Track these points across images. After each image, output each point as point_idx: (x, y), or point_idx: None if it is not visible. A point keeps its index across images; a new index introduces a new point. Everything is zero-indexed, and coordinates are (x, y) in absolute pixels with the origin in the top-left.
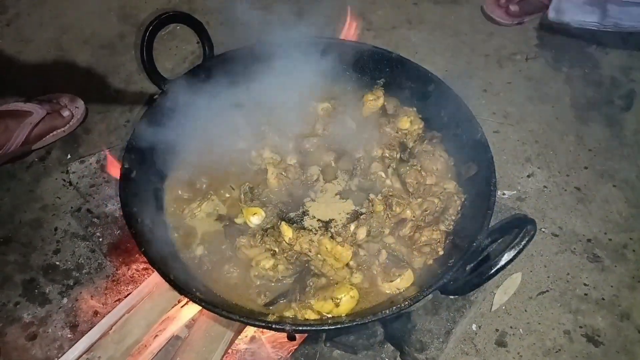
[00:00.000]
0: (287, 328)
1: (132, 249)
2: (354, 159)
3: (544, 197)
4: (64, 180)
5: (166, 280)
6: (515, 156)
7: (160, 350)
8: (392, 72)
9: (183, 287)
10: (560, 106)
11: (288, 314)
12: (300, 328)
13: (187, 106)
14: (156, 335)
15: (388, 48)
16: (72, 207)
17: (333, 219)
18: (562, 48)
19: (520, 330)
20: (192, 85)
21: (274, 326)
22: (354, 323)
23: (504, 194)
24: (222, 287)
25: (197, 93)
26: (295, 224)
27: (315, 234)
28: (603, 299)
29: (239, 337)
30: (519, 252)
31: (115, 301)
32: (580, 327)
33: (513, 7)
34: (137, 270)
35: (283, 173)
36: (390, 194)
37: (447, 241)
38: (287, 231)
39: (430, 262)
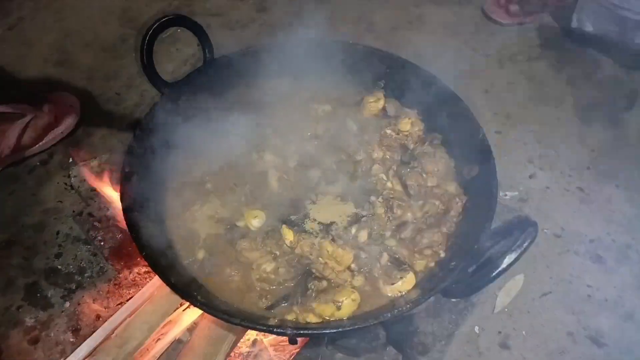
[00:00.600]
0: (289, 332)
1: (134, 252)
2: (354, 161)
3: (546, 198)
4: (66, 184)
5: (168, 285)
6: (517, 157)
7: (162, 354)
8: (393, 73)
9: (184, 291)
10: (562, 107)
11: (290, 317)
12: (302, 332)
13: (188, 109)
14: (158, 339)
15: (389, 49)
16: (73, 211)
17: (334, 222)
18: (563, 49)
19: (524, 332)
20: (192, 88)
21: (275, 330)
22: (356, 326)
23: (505, 194)
24: (223, 291)
25: (198, 96)
26: (296, 227)
27: (316, 237)
28: (606, 300)
29: (241, 340)
30: (520, 255)
31: (118, 305)
32: (584, 328)
33: (513, 7)
34: (139, 274)
35: (284, 176)
36: (391, 196)
37: (449, 243)
38: (288, 234)
39: (432, 264)
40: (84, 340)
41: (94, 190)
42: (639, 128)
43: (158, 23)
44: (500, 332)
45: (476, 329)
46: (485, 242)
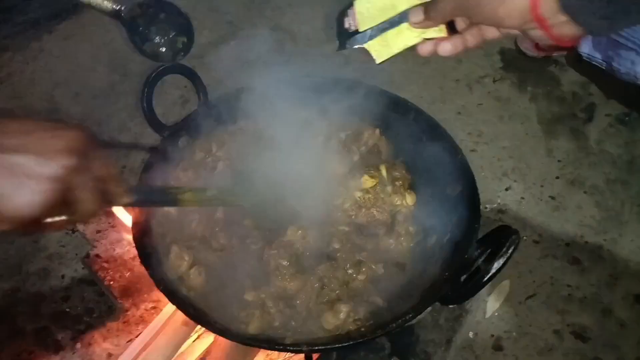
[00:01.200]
0: (304, 349)
1: (141, 289)
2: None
3: (523, 208)
4: (67, 229)
5: (187, 315)
6: (493, 172)
7: None
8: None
9: (202, 319)
10: (529, 122)
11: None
12: (316, 348)
13: (186, 150)
14: None
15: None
16: (77, 254)
17: None
18: (525, 69)
19: (514, 333)
20: (190, 129)
21: (290, 348)
22: (365, 338)
23: (485, 207)
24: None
25: (195, 136)
26: None
27: None
28: (585, 297)
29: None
30: (507, 260)
31: (128, 342)
32: (568, 325)
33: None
34: (146, 310)
35: None
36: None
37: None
38: None
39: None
40: None
41: (99, 232)
42: (599, 138)
43: (156, 72)
44: (492, 335)
45: (470, 334)
46: (473, 252)
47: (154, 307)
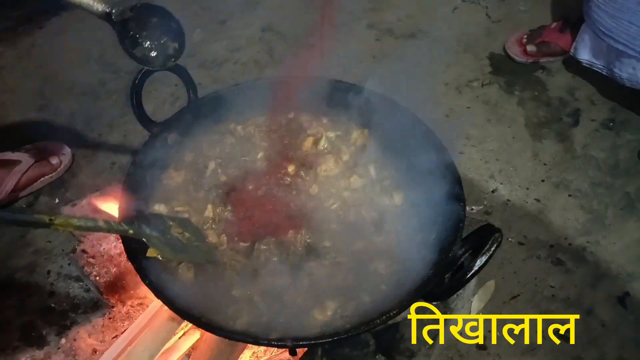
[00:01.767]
0: (289, 344)
1: (127, 285)
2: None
3: (509, 210)
4: None
5: (173, 310)
6: (480, 174)
7: None
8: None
9: (189, 315)
10: (516, 126)
11: None
12: (301, 342)
13: (177, 146)
14: None
15: (357, 81)
16: (63, 250)
17: None
18: (513, 73)
19: (498, 333)
20: (180, 125)
21: (276, 343)
22: (350, 334)
23: (472, 209)
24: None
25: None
26: None
27: None
28: (569, 298)
29: (240, 357)
30: (489, 258)
31: (113, 338)
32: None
33: (530, 48)
34: (132, 306)
35: None
36: None
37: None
38: None
39: None
40: None
41: None
42: (584, 143)
43: (145, 70)
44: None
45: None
46: (457, 250)
47: (140, 304)
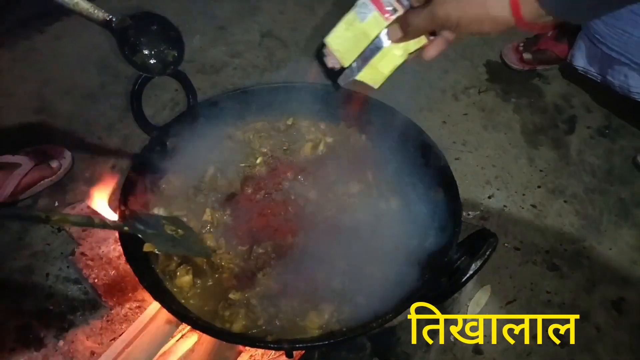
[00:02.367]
0: (285, 347)
1: (125, 287)
2: None
3: (505, 215)
4: (53, 227)
5: (170, 312)
6: (476, 180)
7: None
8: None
9: (185, 316)
10: (512, 132)
11: None
12: (298, 346)
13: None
14: None
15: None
16: (62, 253)
17: None
18: (509, 81)
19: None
20: (180, 129)
21: (272, 346)
22: (346, 337)
23: (468, 214)
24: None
25: (184, 136)
26: None
27: None
28: (564, 303)
29: None
30: (484, 262)
31: (111, 340)
32: (546, 330)
33: (526, 56)
34: (131, 309)
35: None
36: None
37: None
38: None
39: None
40: None
41: (85, 230)
42: (579, 149)
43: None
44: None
45: (451, 337)
46: (453, 255)
47: (138, 307)
